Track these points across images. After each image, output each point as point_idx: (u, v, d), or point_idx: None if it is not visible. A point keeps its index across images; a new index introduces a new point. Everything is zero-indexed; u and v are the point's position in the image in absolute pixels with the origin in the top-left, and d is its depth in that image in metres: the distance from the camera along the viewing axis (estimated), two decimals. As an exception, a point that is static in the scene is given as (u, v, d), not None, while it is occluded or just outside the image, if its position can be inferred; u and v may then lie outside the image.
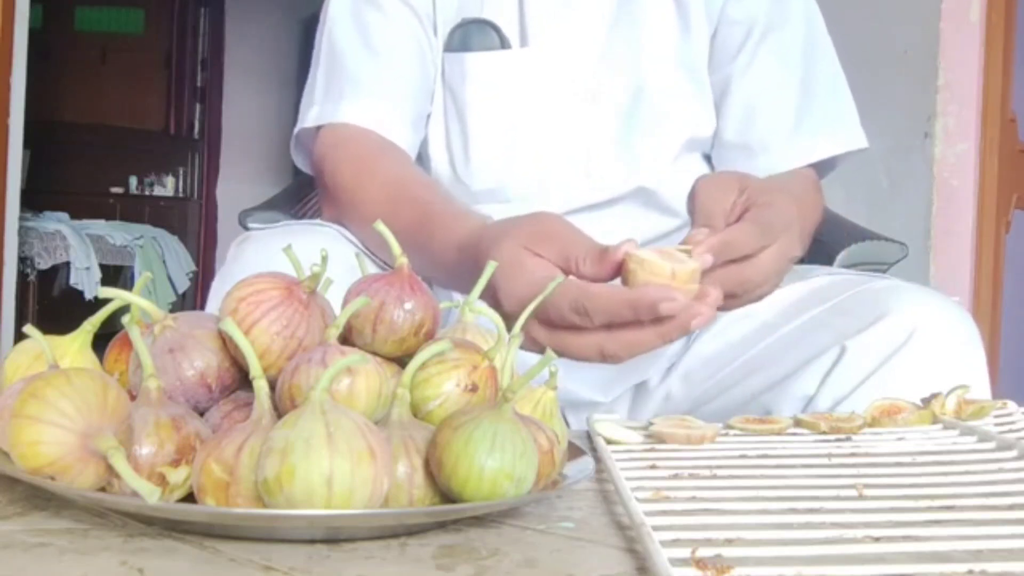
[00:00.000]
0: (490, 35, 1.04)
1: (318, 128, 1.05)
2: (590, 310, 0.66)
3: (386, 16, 1.06)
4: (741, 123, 1.06)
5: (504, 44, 1.04)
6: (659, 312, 0.64)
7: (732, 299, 0.74)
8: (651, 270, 0.67)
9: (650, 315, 0.65)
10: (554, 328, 0.68)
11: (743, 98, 1.06)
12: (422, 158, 1.09)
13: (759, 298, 0.77)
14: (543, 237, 0.72)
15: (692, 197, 0.77)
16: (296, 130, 1.08)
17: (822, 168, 1.07)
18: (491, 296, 0.71)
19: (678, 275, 0.67)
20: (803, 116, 1.05)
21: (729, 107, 1.07)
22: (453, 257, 0.82)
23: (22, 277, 4.12)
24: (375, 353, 0.57)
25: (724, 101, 1.07)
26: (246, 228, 1.05)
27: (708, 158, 1.11)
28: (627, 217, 1.05)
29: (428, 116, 1.08)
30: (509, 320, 0.66)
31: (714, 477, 0.61)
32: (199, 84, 6.86)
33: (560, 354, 0.68)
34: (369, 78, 1.04)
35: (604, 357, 0.68)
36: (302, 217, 1.28)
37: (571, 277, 0.68)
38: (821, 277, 0.98)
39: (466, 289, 0.77)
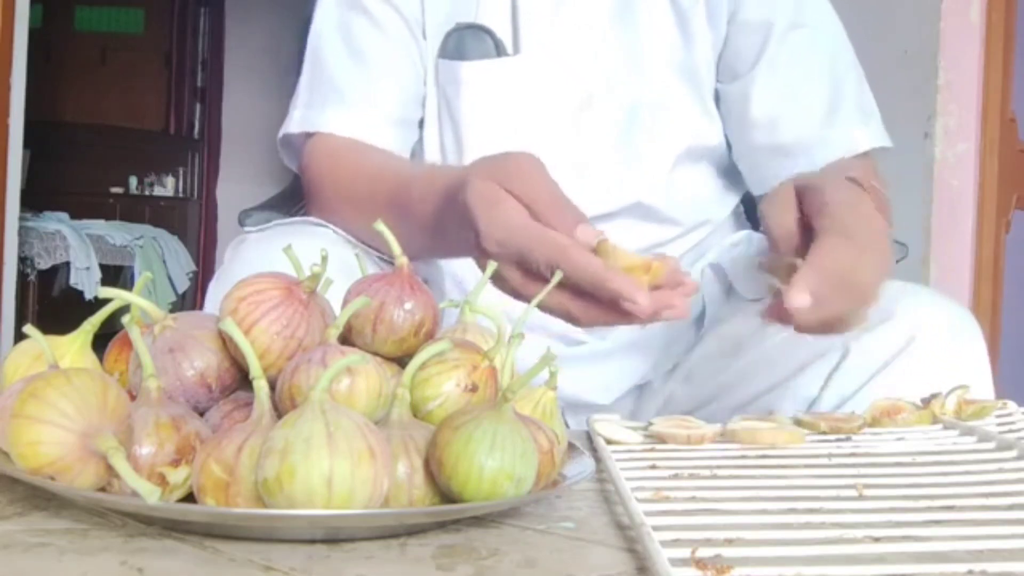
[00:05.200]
0: (486, 41, 1.02)
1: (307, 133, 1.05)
2: (563, 273, 0.66)
3: (372, 20, 1.05)
4: (771, 125, 1.03)
5: (500, 50, 1.02)
6: (620, 307, 0.65)
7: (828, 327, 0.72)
8: (625, 261, 0.66)
9: (612, 301, 0.65)
10: (528, 276, 0.68)
11: (771, 99, 1.03)
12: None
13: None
14: (516, 176, 0.71)
15: (763, 223, 0.77)
16: (280, 135, 1.07)
17: None
18: (472, 236, 0.70)
19: (653, 268, 0.66)
20: (837, 108, 1.02)
21: (755, 111, 1.03)
22: (435, 204, 0.80)
23: (22, 277, 4.12)
24: (375, 353, 0.57)
25: (748, 106, 1.03)
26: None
27: (717, 168, 1.09)
28: (624, 229, 1.03)
29: (421, 120, 1.07)
30: (494, 261, 0.67)
31: (714, 477, 0.61)
32: (199, 84, 6.86)
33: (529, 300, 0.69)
34: (353, 85, 1.03)
35: (568, 317, 0.68)
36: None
37: (557, 234, 0.67)
38: None
39: (451, 246, 0.77)
